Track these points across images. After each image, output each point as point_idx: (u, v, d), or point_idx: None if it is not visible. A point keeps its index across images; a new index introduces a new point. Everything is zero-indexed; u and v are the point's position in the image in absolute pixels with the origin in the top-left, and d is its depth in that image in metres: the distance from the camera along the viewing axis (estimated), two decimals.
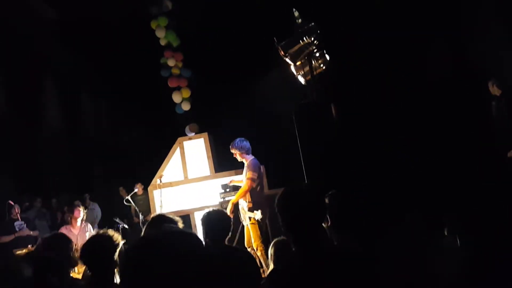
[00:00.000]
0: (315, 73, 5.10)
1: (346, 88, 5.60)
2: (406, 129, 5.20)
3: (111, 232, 2.74)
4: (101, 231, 2.74)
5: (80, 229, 5.98)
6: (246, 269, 3.04)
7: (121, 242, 2.67)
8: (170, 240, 1.27)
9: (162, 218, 2.91)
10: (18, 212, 6.57)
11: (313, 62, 5.15)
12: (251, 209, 5.62)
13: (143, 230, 3.11)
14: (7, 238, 6.45)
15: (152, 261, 1.19)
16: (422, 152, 5.04)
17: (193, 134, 8.65)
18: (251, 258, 3.31)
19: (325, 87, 5.08)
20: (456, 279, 1.54)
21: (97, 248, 2.60)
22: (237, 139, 5.89)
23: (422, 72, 5.69)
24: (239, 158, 5.80)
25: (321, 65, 5.33)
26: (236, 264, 2.98)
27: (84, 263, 2.69)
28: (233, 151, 5.76)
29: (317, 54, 5.16)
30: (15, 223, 6.53)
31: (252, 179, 5.55)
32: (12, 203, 6.56)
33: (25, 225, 6.56)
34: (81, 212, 6.08)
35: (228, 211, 5.58)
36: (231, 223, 3.33)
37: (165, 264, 1.18)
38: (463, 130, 5.29)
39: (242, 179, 5.90)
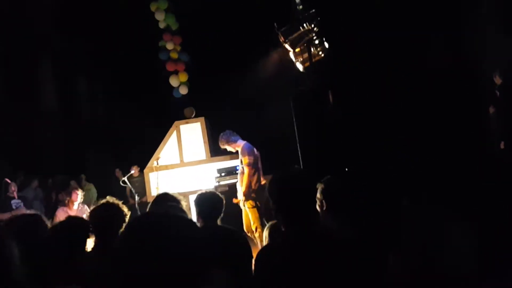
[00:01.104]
0: (313, 60, 5.15)
1: (344, 76, 5.64)
2: (402, 117, 5.27)
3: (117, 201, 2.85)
4: (111, 200, 2.84)
5: (77, 212, 6.03)
6: (237, 248, 3.11)
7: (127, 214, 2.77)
8: (164, 222, 1.27)
9: (166, 196, 2.98)
10: (15, 190, 6.58)
11: (312, 49, 5.20)
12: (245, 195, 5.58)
13: (148, 207, 3.18)
14: (3, 216, 6.47)
15: (144, 240, 1.18)
16: (418, 139, 5.11)
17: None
18: (243, 237, 3.38)
19: (323, 74, 5.12)
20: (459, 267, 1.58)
21: (109, 214, 2.68)
22: (221, 134, 5.84)
23: (421, 60, 5.74)
24: (231, 149, 5.72)
25: (320, 53, 5.38)
26: (228, 243, 3.05)
27: (94, 228, 2.69)
28: (222, 145, 5.69)
29: (317, 42, 5.20)
30: (12, 201, 6.54)
31: (249, 164, 5.53)
32: (9, 181, 6.57)
33: (22, 203, 6.58)
34: (79, 196, 6.11)
35: (244, 205, 5.54)
36: (223, 203, 3.39)
37: (156, 243, 1.17)
38: (458, 118, 5.37)
39: (239, 169, 5.81)
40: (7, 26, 8.40)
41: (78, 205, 6.12)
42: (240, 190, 5.53)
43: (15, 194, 6.68)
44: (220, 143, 5.65)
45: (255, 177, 5.51)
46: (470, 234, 1.64)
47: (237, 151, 5.92)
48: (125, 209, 2.83)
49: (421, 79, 5.90)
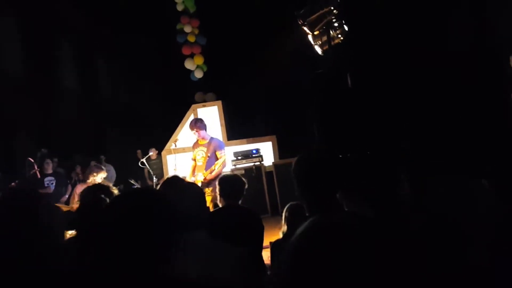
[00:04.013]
0: (332, 43, 5.09)
1: (363, 59, 5.57)
2: (422, 100, 5.18)
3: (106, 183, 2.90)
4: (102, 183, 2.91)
5: None
6: (251, 226, 3.24)
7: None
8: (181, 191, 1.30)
9: (176, 178, 3.03)
10: (37, 170, 6.74)
11: (331, 32, 5.14)
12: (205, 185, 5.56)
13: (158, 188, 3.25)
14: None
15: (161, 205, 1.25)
16: (439, 123, 5.03)
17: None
18: (258, 217, 3.47)
19: (342, 57, 5.07)
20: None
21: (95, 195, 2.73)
22: (194, 119, 5.88)
23: (443, 43, 5.61)
24: (198, 136, 5.72)
25: (339, 36, 5.31)
26: (243, 221, 3.18)
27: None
28: (192, 129, 5.68)
29: (336, 24, 5.14)
30: (45, 179, 6.69)
31: (224, 158, 5.57)
32: (32, 160, 6.74)
33: (54, 182, 6.72)
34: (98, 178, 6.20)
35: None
36: (244, 185, 3.48)
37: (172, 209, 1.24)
38: (480, 104, 5.25)
39: (200, 158, 5.73)
40: (31, 7, 8.52)
41: None
42: (202, 176, 5.46)
43: (50, 170, 6.76)
44: (191, 127, 5.65)
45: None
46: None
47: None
48: (115, 191, 2.86)
49: (443, 62, 5.78)
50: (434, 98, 5.16)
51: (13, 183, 6.22)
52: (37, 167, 6.76)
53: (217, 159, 5.51)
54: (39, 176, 6.77)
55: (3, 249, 1.35)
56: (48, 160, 7.14)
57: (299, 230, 1.33)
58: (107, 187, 2.82)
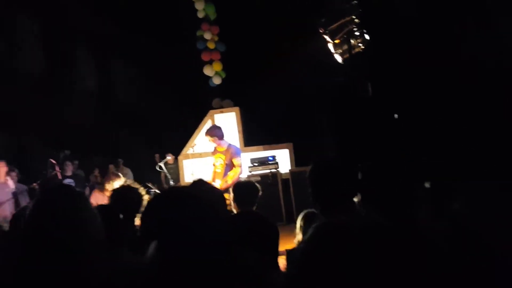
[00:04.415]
0: (353, 52, 5.09)
1: (384, 68, 5.54)
2: (442, 109, 5.13)
3: (137, 185, 2.96)
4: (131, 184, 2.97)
5: None
6: (266, 232, 3.21)
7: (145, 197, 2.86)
8: (198, 192, 1.34)
9: (202, 182, 3.06)
10: (59, 171, 6.83)
11: (352, 41, 5.14)
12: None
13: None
14: None
15: (175, 208, 1.26)
16: (458, 132, 4.96)
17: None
18: (273, 224, 3.46)
19: (362, 66, 5.05)
20: None
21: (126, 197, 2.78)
22: (212, 126, 5.89)
23: (462, 53, 5.55)
24: (214, 144, 5.73)
25: (360, 44, 5.31)
26: (258, 227, 3.16)
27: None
28: (208, 137, 5.70)
29: (357, 33, 5.13)
30: (65, 180, 6.80)
31: (240, 165, 5.56)
32: (54, 161, 6.84)
33: (73, 184, 6.81)
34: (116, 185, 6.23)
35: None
36: (258, 192, 3.48)
37: (187, 212, 1.24)
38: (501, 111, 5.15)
39: (218, 165, 5.78)
40: (51, 10, 8.73)
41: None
42: (219, 183, 5.47)
43: (71, 171, 6.86)
44: (207, 134, 5.66)
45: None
46: None
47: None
48: (143, 192, 2.92)
49: (462, 72, 5.71)
50: (455, 106, 5.10)
51: (34, 184, 6.33)
52: (58, 169, 6.87)
53: (233, 166, 5.51)
54: (60, 177, 6.88)
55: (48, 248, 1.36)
56: (68, 162, 7.25)
57: (307, 235, 1.35)
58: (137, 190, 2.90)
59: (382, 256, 1.25)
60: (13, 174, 6.39)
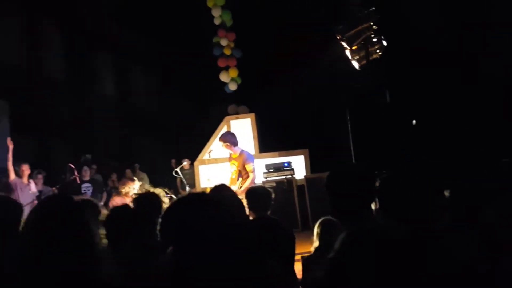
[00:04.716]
0: (370, 58, 5.06)
1: (401, 75, 5.50)
2: (460, 115, 5.06)
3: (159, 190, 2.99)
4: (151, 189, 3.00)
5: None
6: (283, 236, 3.20)
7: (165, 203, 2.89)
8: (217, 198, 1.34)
9: (224, 187, 3.08)
10: (77, 176, 6.93)
11: (369, 47, 5.12)
12: None
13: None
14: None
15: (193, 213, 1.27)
16: (476, 141, 4.89)
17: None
18: (288, 228, 3.45)
19: (379, 73, 5.03)
20: None
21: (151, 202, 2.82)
22: (225, 132, 5.89)
23: (479, 59, 5.48)
24: (228, 150, 5.74)
25: (377, 51, 5.28)
26: (274, 231, 3.17)
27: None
28: (222, 143, 5.70)
29: (374, 40, 5.11)
30: (82, 185, 6.89)
31: (253, 170, 5.55)
32: (73, 166, 6.95)
33: (91, 189, 6.91)
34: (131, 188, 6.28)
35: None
36: (271, 197, 3.48)
37: (206, 218, 1.26)
38: None
39: (234, 172, 5.78)
40: (74, 19, 8.93)
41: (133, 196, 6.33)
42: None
43: (88, 177, 6.98)
44: (220, 140, 5.67)
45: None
46: None
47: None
48: (165, 199, 2.95)
49: (481, 79, 5.64)
50: (474, 112, 5.03)
51: (54, 188, 6.43)
52: (77, 173, 6.98)
53: (246, 171, 5.54)
54: (78, 182, 6.97)
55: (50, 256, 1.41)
56: (86, 167, 7.35)
57: (337, 244, 1.34)
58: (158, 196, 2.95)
59: (415, 263, 1.26)
60: (40, 176, 6.50)
